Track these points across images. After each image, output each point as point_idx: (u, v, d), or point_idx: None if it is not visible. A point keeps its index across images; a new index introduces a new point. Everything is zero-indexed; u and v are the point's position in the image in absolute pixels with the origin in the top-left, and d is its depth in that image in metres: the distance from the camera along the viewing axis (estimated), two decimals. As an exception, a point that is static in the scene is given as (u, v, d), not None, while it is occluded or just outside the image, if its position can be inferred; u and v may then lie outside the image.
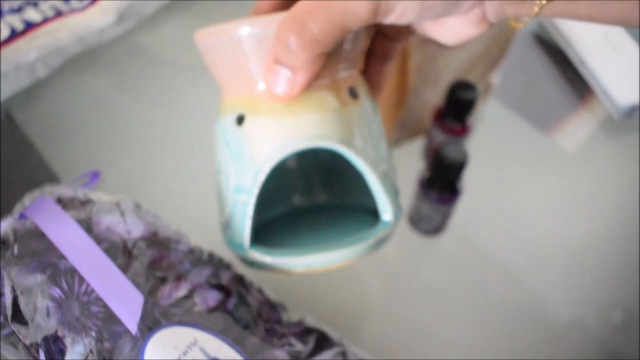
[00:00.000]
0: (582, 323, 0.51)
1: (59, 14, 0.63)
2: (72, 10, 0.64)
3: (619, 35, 0.71)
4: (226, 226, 0.38)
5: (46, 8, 0.63)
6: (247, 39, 0.33)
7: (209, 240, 0.42)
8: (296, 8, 0.30)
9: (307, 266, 0.36)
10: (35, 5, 0.63)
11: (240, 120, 0.36)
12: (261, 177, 0.35)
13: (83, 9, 0.64)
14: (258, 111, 0.35)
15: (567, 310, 0.52)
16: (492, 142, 0.63)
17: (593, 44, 0.71)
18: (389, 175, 0.40)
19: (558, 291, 0.53)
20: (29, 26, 0.61)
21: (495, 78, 0.61)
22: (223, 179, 0.38)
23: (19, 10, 0.62)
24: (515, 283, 0.53)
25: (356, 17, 0.29)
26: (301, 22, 0.29)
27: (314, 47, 0.30)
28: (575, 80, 0.71)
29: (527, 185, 0.60)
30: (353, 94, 0.37)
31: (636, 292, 0.53)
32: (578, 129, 0.66)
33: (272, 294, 0.39)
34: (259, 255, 0.36)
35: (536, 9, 0.31)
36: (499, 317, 0.51)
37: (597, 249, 0.56)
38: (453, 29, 0.33)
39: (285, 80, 0.32)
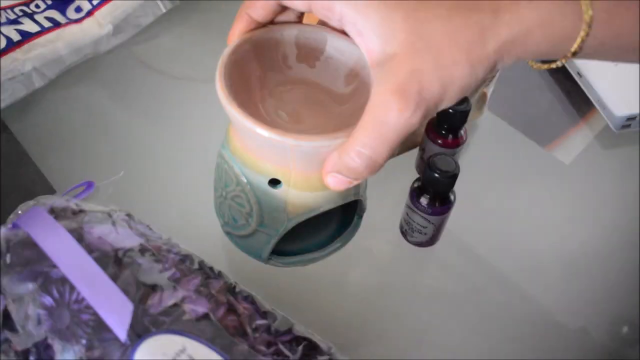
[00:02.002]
0: (580, 330, 0.51)
1: (55, 25, 0.64)
2: (69, 22, 0.64)
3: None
4: (242, 239, 0.49)
5: (42, 19, 0.63)
6: (299, 151, 0.39)
7: (200, 249, 0.42)
8: (358, 139, 0.35)
9: (313, 260, 0.51)
10: (31, 16, 0.63)
11: (273, 183, 0.42)
12: (289, 227, 0.45)
13: (79, 20, 0.65)
14: (293, 184, 0.42)
15: (565, 319, 0.52)
16: (487, 153, 0.64)
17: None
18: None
19: (556, 301, 0.53)
20: (26, 37, 0.61)
21: (490, 89, 0.62)
22: (243, 210, 0.45)
23: (15, 21, 0.62)
24: (513, 293, 0.53)
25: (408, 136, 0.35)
26: (368, 158, 0.35)
27: (377, 169, 0.37)
28: (571, 91, 0.71)
29: (523, 196, 0.60)
30: None
31: (635, 301, 0.53)
32: (574, 140, 0.66)
33: (263, 303, 0.40)
34: (276, 263, 0.50)
35: (564, 60, 0.36)
36: (498, 326, 0.51)
37: (594, 259, 0.56)
38: None
39: (346, 183, 0.38)
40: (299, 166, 0.41)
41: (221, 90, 0.39)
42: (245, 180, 0.43)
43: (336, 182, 0.38)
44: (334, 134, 0.38)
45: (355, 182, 0.38)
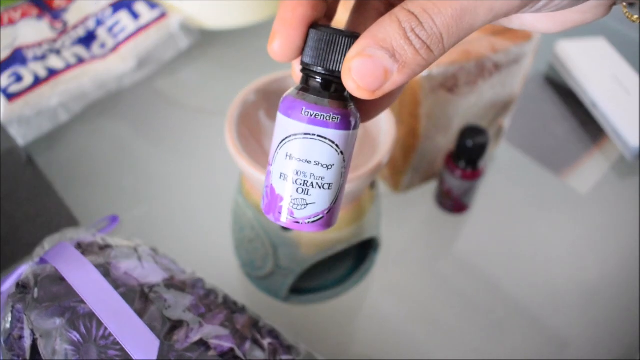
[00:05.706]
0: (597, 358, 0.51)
1: (81, 61, 0.65)
2: (94, 58, 0.66)
3: (628, 75, 0.72)
4: (260, 279, 0.49)
5: (69, 55, 0.65)
6: None
7: (224, 283, 0.42)
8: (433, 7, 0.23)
9: (331, 297, 0.51)
10: (58, 52, 0.65)
11: (286, 229, 0.43)
12: (304, 267, 0.46)
13: (104, 56, 0.67)
14: None
15: (582, 348, 0.51)
16: (505, 184, 0.64)
17: (603, 84, 0.71)
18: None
19: (573, 331, 0.52)
20: (52, 73, 0.63)
21: (507, 120, 0.62)
22: (259, 253, 0.46)
23: (42, 57, 0.64)
24: (531, 322, 0.53)
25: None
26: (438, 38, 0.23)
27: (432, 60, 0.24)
28: (586, 122, 0.71)
29: (540, 226, 0.60)
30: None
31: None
32: (590, 170, 0.67)
33: (286, 337, 0.40)
34: (294, 301, 0.50)
35: None
36: (516, 356, 0.50)
37: (612, 289, 0.55)
38: (561, 17, 0.26)
39: (381, 72, 0.23)
40: None
41: (231, 143, 0.41)
42: (259, 225, 0.45)
43: (365, 69, 0.23)
44: None
45: (395, 80, 0.23)
